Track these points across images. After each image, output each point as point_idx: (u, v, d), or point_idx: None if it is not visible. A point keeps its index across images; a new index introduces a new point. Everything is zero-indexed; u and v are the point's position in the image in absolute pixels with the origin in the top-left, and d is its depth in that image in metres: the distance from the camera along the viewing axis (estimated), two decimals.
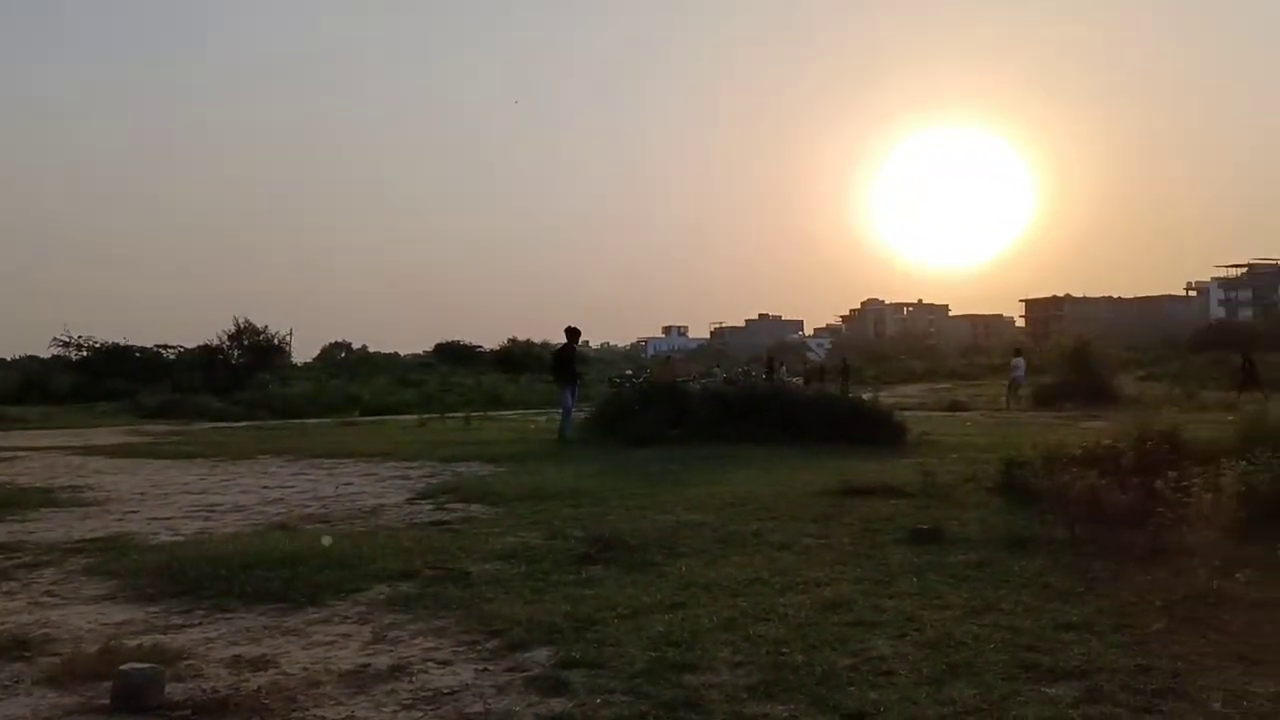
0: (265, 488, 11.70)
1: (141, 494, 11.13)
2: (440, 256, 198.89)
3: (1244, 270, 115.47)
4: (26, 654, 4.67)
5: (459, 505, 9.79)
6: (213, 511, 9.67)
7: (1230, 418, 11.19)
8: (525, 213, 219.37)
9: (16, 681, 4.28)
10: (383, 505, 9.97)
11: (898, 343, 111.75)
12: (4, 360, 58.07)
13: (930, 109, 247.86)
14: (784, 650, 4.52)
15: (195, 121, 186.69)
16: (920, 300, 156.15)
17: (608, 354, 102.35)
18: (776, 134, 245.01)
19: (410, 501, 10.26)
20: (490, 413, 29.71)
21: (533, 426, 22.52)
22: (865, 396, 18.22)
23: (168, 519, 9.20)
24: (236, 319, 44.91)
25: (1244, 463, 6.84)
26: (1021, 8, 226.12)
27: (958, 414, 27.06)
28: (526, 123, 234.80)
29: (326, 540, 7.30)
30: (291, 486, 11.79)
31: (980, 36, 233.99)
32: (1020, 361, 31.64)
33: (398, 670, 4.44)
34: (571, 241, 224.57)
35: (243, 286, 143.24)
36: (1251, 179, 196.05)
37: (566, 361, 18.65)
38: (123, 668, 3.98)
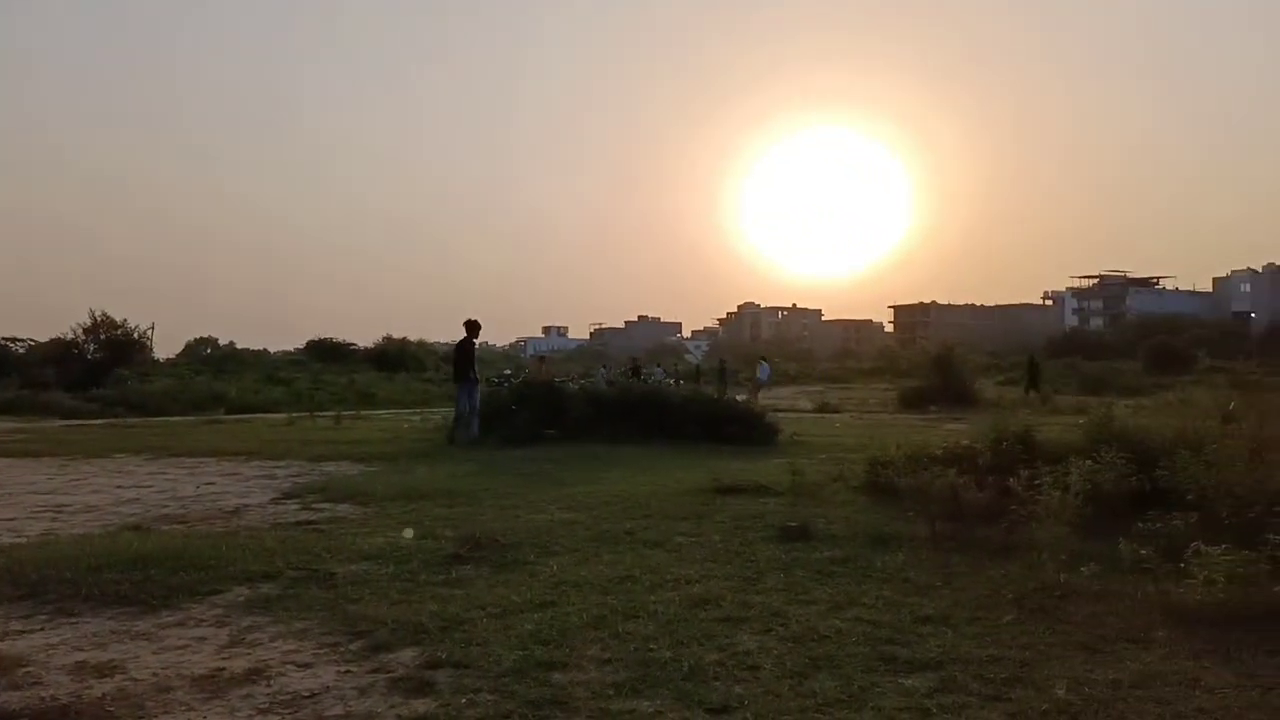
0: (119, 487, 11.16)
1: None
2: (313, 254, 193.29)
3: (1095, 281, 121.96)
4: None
5: (326, 505, 9.54)
6: (60, 512, 9.17)
7: (1080, 421, 11.80)
8: (403, 211, 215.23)
9: None
10: (246, 505, 9.63)
11: (773, 346, 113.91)
12: None
13: (807, 115, 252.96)
14: (652, 646, 4.55)
15: (47, 113, 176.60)
16: (794, 305, 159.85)
17: (486, 353, 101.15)
18: (655, 137, 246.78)
19: (275, 501, 9.93)
20: (363, 412, 29.04)
21: (406, 426, 22.12)
22: (740, 398, 18.50)
23: (10, 520, 8.67)
24: (93, 312, 42.74)
25: (1090, 462, 7.17)
26: (901, 19, 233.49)
27: (828, 416, 27.79)
28: (407, 122, 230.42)
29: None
30: (149, 486, 11.28)
31: (862, 46, 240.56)
32: (764, 365, 37.89)
33: (255, 674, 4.28)
34: (450, 241, 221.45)
35: (103, 280, 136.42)
36: (1109, 192, 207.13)
37: (465, 357, 17.35)
38: None
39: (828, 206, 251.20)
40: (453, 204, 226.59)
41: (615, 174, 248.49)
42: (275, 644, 4.76)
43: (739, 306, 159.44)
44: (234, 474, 12.60)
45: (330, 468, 13.20)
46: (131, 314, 46.61)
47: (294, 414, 26.34)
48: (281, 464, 13.75)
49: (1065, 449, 8.81)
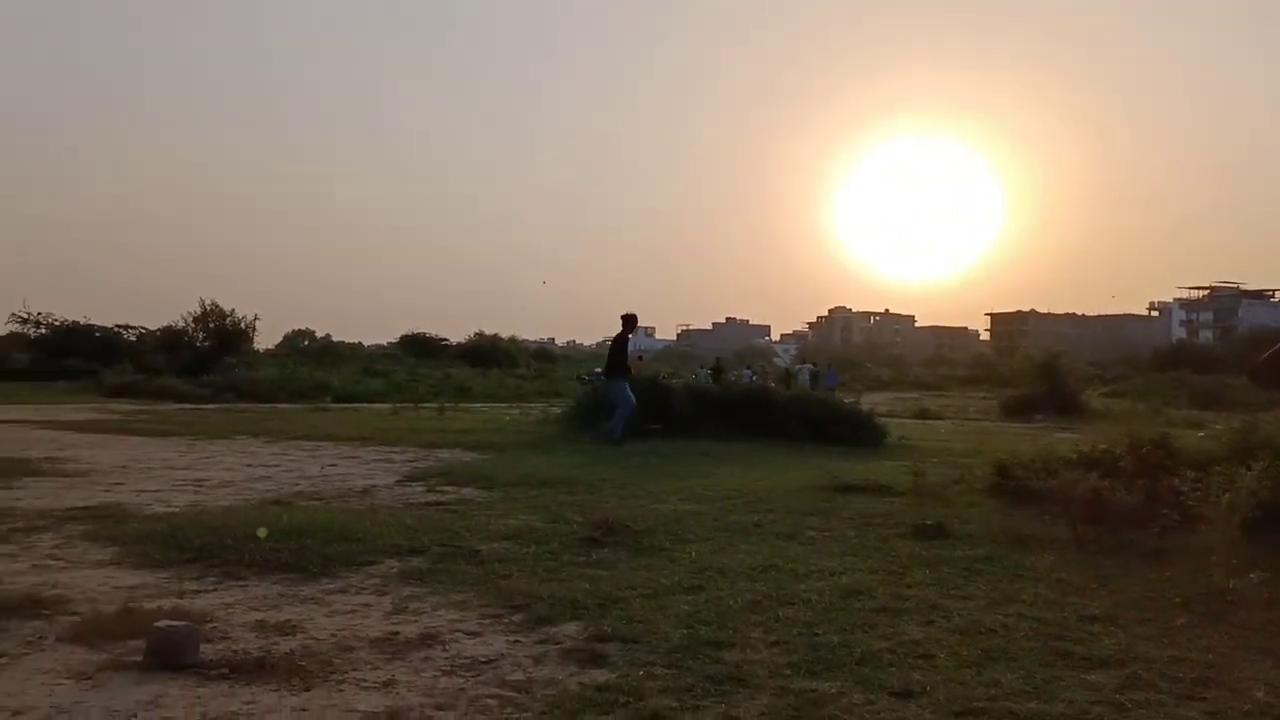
0: (249, 465, 11.53)
1: (124, 467, 10.91)
2: (407, 252, 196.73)
3: (1206, 293, 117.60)
4: (45, 612, 4.57)
5: (451, 488, 9.70)
6: (201, 486, 9.50)
7: (1201, 433, 11.45)
8: (496, 210, 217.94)
9: (40, 638, 4.19)
10: (374, 486, 9.85)
11: (863, 351, 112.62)
12: None
13: (907, 117, 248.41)
14: (817, 632, 4.52)
15: (165, 114, 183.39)
16: (887, 310, 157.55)
17: (575, 352, 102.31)
18: (750, 137, 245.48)
19: (400, 483, 10.14)
20: (461, 405, 29.47)
21: (508, 419, 22.39)
22: (848, 400, 18.34)
23: (156, 491, 9.02)
24: (203, 301, 44.04)
25: (1247, 469, 6.91)
26: (1007, 20, 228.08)
27: (928, 422, 27.32)
28: (497, 122, 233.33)
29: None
30: (276, 465, 11.62)
31: (965, 47, 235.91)
32: (806, 366, 39.44)
33: (428, 639, 4.38)
34: (538, 241, 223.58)
35: (204, 270, 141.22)
36: (1223, 202, 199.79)
37: (621, 352, 16.36)
38: (159, 624, 3.89)
39: (924, 210, 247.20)
40: (544, 204, 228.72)
41: (710, 175, 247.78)
42: (439, 613, 4.86)
43: (830, 310, 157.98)
44: (353, 457, 12.90)
45: (444, 454, 13.42)
46: (232, 304, 47.60)
47: (398, 404, 26.82)
48: (396, 449, 14.03)
49: (1206, 457, 8.54)
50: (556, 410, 20.51)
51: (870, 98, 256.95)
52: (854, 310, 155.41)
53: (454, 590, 5.31)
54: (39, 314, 42.98)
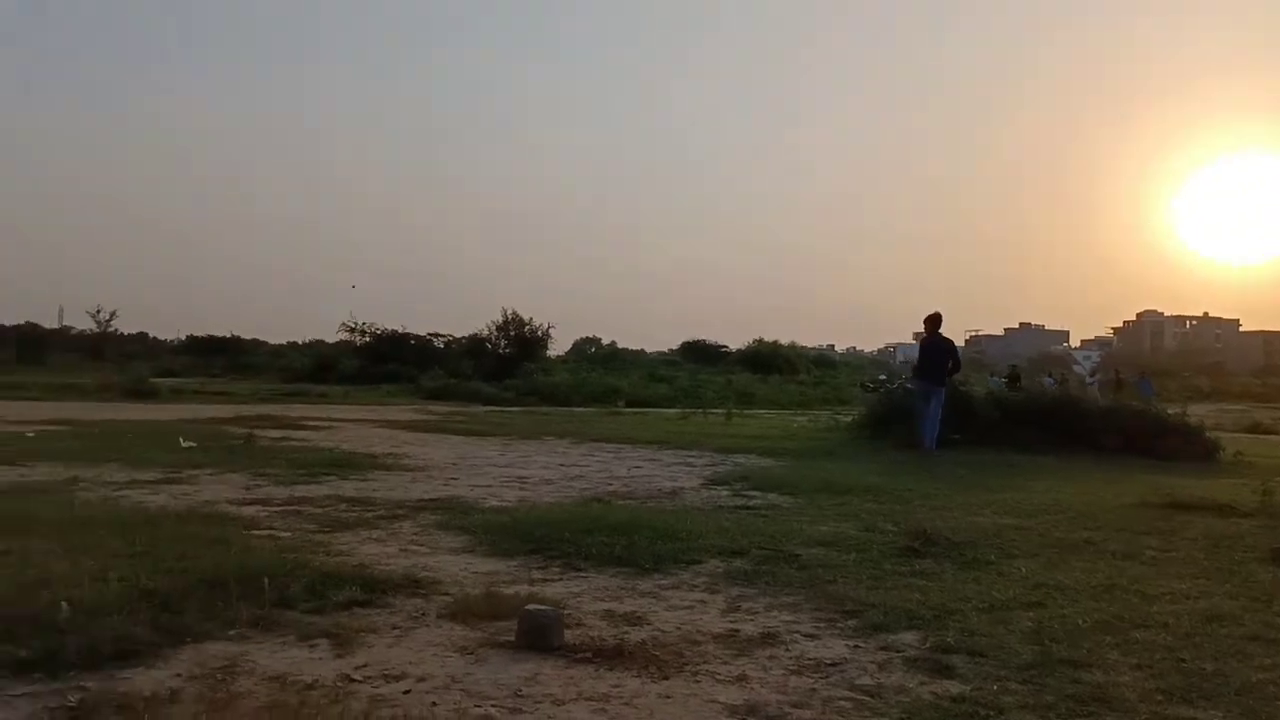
0: (562, 465, 12.21)
1: (454, 464, 11.88)
2: (681, 264, 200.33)
3: None
4: (422, 591, 5.07)
5: (756, 493, 9.81)
6: (524, 483, 10.17)
7: None
8: (770, 214, 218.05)
9: (422, 614, 4.65)
10: (680, 488, 10.14)
11: (1176, 358, 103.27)
12: (298, 344, 64.68)
13: (1243, 120, 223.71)
14: (1182, 657, 4.21)
15: (450, 141, 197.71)
16: (1206, 313, 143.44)
17: (854, 359, 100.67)
18: (1053, 140, 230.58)
19: (705, 486, 10.38)
20: (745, 411, 29.75)
21: (796, 425, 22.40)
22: (1172, 410, 16.95)
23: (487, 486, 9.76)
24: (505, 310, 47.19)
25: None
26: None
27: (1262, 437, 24.68)
28: (781, 124, 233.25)
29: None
30: (585, 465, 12.24)
31: None
32: (1095, 379, 36.48)
33: (769, 638, 4.46)
34: (818, 244, 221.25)
35: (505, 278, 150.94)
36: None
37: (939, 357, 15.58)
38: (529, 608, 4.22)
39: (1250, 204, 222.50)
40: (825, 205, 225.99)
41: (1020, 180, 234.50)
42: (772, 614, 4.94)
43: (1138, 314, 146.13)
44: (654, 460, 13.35)
45: (740, 459, 13.59)
46: (530, 314, 50.83)
47: (686, 409, 27.49)
48: (693, 453, 14.37)
49: None
50: (845, 418, 20.33)
51: (1198, 100, 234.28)
52: (1166, 314, 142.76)
53: (782, 592, 5.37)
54: (364, 324, 47.72)
